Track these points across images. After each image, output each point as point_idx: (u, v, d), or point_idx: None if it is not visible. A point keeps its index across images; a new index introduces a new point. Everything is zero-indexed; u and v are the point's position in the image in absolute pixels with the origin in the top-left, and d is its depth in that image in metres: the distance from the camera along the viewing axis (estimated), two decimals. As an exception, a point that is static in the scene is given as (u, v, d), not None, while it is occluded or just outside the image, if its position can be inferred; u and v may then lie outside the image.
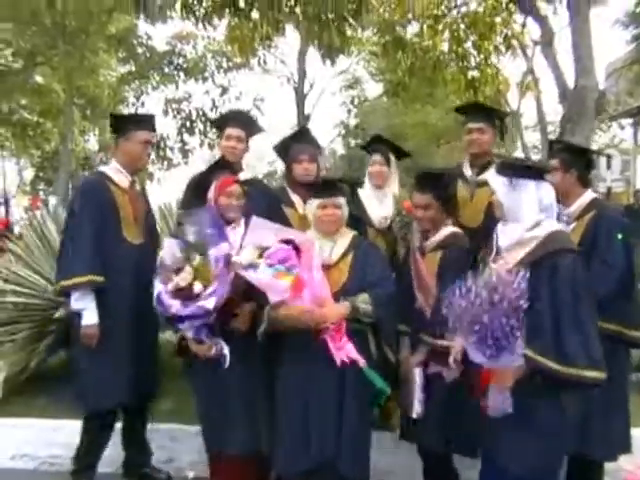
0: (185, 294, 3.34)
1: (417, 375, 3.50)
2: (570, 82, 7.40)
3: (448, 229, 3.58)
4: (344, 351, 3.34)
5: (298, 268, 3.30)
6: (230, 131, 4.34)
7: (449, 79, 9.84)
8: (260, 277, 3.27)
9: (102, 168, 4.22)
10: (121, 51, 16.27)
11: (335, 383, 3.36)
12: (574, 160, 3.81)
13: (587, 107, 6.79)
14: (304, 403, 3.37)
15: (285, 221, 4.01)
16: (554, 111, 14.92)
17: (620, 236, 3.60)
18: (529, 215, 3.18)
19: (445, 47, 9.34)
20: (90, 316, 3.76)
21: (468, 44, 9.03)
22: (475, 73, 9.41)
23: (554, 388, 2.94)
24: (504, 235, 3.22)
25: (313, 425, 3.35)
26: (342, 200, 3.60)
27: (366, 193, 4.37)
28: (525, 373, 2.89)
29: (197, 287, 3.34)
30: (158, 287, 3.38)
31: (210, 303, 3.28)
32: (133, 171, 4.00)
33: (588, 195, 3.78)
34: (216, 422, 3.58)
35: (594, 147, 12.98)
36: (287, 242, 3.39)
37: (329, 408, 3.35)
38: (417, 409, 3.44)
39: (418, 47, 9.31)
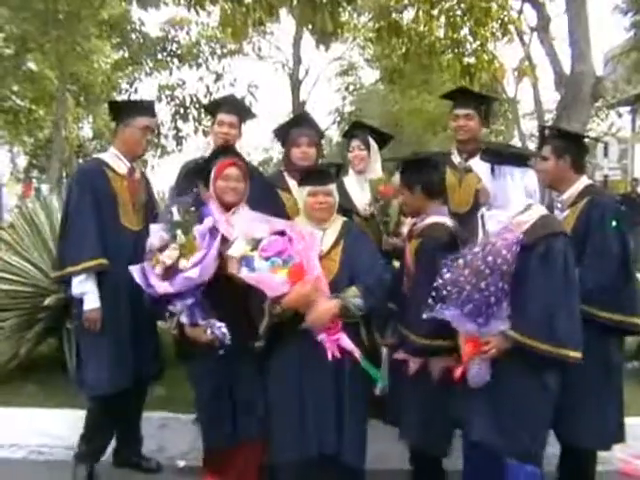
0: (172, 272, 3.32)
1: (384, 354, 3.63)
2: (567, 68, 7.35)
3: (431, 218, 3.52)
4: (338, 342, 3.32)
5: (296, 259, 3.25)
6: (222, 117, 4.32)
7: (445, 65, 9.76)
8: (256, 275, 3.23)
9: (99, 155, 4.21)
10: (114, 37, 16.15)
11: (333, 372, 3.34)
12: (567, 146, 3.78)
13: (583, 93, 6.75)
14: (300, 392, 3.35)
15: (281, 206, 4.00)
16: (552, 99, 14.89)
17: (614, 223, 3.57)
18: (517, 200, 3.22)
19: (441, 33, 9.25)
20: (93, 300, 3.77)
21: (464, 30, 8.94)
22: (471, 59, 9.33)
23: (535, 365, 3.02)
24: (492, 220, 3.24)
25: (310, 415, 3.32)
26: (333, 187, 3.57)
27: (349, 180, 4.36)
28: (507, 347, 3.00)
29: (182, 263, 3.32)
30: (147, 271, 3.37)
31: (194, 272, 3.25)
32: (132, 158, 3.99)
33: (582, 181, 3.76)
34: (220, 413, 3.53)
35: (591, 135, 12.97)
36: (279, 233, 3.35)
37: (327, 397, 3.33)
38: (379, 387, 3.51)
39: (414, 33, 9.22)
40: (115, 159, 3.96)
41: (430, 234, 3.46)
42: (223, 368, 3.48)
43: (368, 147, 4.38)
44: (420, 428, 3.41)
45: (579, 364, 3.06)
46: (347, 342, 3.35)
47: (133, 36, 16.56)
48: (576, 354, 2.99)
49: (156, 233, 3.48)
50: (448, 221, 3.52)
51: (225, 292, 3.38)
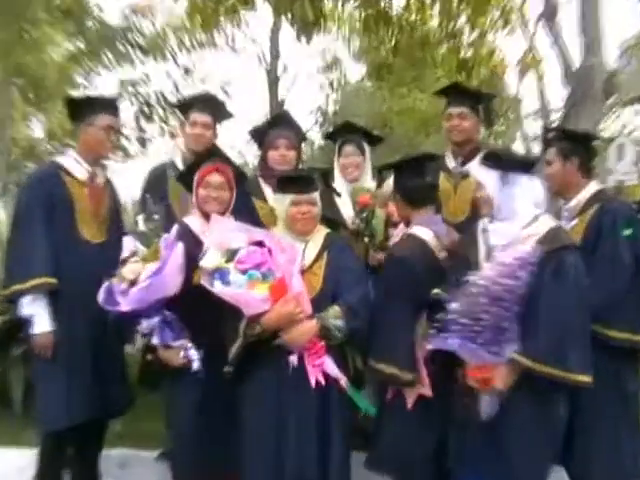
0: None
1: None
2: (576, 61, 7.37)
3: (411, 230, 3.59)
4: (322, 367, 3.32)
5: (277, 273, 3.23)
6: (195, 116, 4.32)
7: (439, 59, 9.77)
8: (231, 291, 3.18)
9: (57, 158, 4.16)
10: (68, 25, 15.98)
11: (316, 397, 3.34)
12: (574, 148, 3.80)
13: (594, 89, 6.77)
14: (279, 420, 3.33)
15: (254, 215, 3.97)
16: (559, 97, 14.94)
17: (627, 231, 3.58)
18: (524, 211, 3.20)
19: (435, 23, 9.26)
20: (42, 323, 3.74)
21: (461, 20, 8.96)
22: (468, 53, 9.34)
23: (544, 392, 3.07)
24: (496, 234, 3.25)
25: (291, 444, 3.30)
26: (317, 195, 3.55)
27: (338, 189, 4.31)
28: (517, 376, 3.05)
29: (142, 277, 3.29)
30: (113, 288, 3.35)
31: (144, 283, 3.20)
32: (94, 161, 3.96)
33: (591, 187, 3.77)
34: (200, 443, 3.51)
35: (603, 135, 13.04)
36: (257, 244, 3.33)
37: (310, 425, 3.32)
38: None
39: (405, 23, 9.21)
40: (74, 163, 3.91)
41: (398, 249, 3.52)
42: (204, 395, 3.48)
43: (363, 152, 4.37)
44: (392, 458, 3.49)
45: (590, 391, 3.10)
46: (332, 368, 3.32)
47: (90, 24, 16.38)
48: (587, 378, 3.02)
49: (127, 246, 3.48)
50: (427, 235, 3.48)
51: (207, 309, 3.34)
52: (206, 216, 3.57)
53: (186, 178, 3.75)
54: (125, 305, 3.30)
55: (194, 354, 3.36)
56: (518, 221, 3.21)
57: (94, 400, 3.82)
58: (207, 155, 3.79)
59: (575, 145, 3.85)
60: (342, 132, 4.59)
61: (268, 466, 3.31)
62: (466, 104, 4.38)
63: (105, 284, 3.39)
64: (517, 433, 3.09)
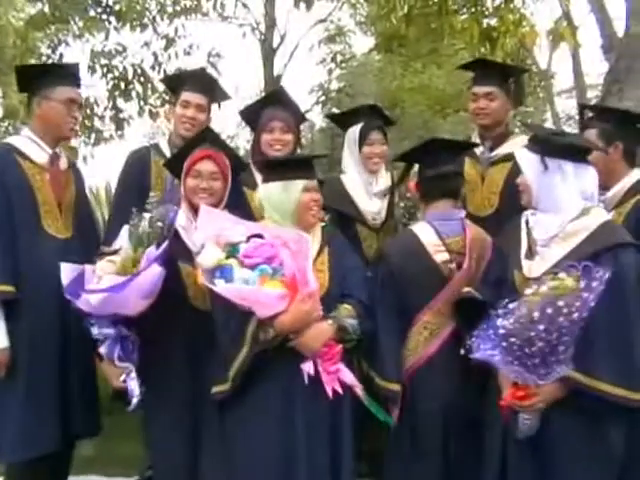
0: None
1: None
2: (619, 29, 7.29)
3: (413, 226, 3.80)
4: (338, 375, 3.33)
5: (287, 269, 3.20)
6: (188, 96, 4.31)
7: (459, 29, 9.71)
8: (241, 289, 3.10)
9: (9, 139, 4.08)
10: (30, -14, 15.94)
11: (330, 413, 3.41)
12: (618, 130, 3.74)
13: (641, 60, 6.68)
14: (290, 440, 3.33)
15: (245, 205, 3.96)
16: (596, 72, 14.86)
17: None
18: (570, 203, 3.17)
19: (455, -14, 9.23)
20: None
21: (485, -18, 8.92)
22: (493, 21, 9.31)
23: (597, 415, 3.07)
24: (539, 227, 3.21)
25: (302, 467, 3.29)
26: None
27: (352, 181, 4.30)
28: (565, 393, 3.09)
29: (120, 279, 3.28)
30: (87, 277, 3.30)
31: (91, 299, 3.14)
32: (54, 142, 3.88)
33: (633, 176, 3.74)
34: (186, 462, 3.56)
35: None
36: (255, 237, 3.32)
37: (322, 443, 3.36)
38: None
39: (420, -15, 9.18)
40: (30, 144, 3.82)
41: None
42: (187, 410, 3.56)
43: (387, 139, 4.39)
44: None
45: None
46: (348, 375, 3.33)
47: (56, -15, 16.36)
48: (628, 394, 3.03)
49: (120, 238, 3.49)
50: (426, 232, 3.58)
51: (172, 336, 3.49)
52: (195, 210, 3.53)
53: (175, 165, 3.69)
54: (80, 303, 3.25)
55: (133, 386, 3.30)
56: (564, 213, 3.18)
57: (58, 425, 3.76)
58: (199, 139, 3.73)
59: (619, 127, 3.78)
60: (364, 116, 4.54)
61: None
62: (494, 82, 4.38)
63: (77, 267, 3.33)
64: (564, 455, 3.12)
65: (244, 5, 18.93)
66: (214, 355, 3.43)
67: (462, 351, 3.24)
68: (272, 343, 3.26)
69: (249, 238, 3.29)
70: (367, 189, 4.39)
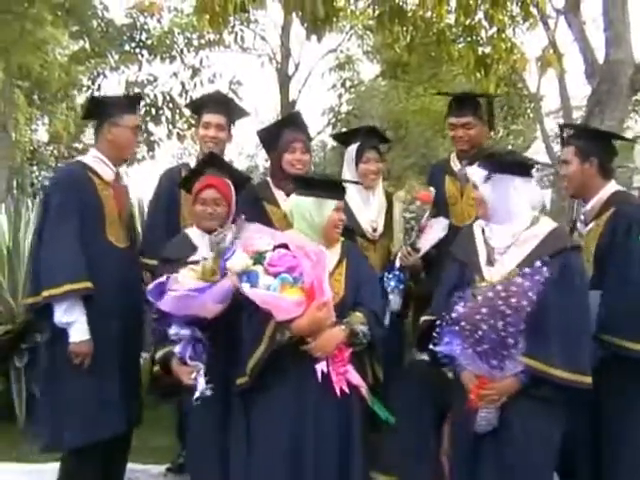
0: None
1: None
2: (600, 56, 7.30)
3: None
4: (346, 376, 3.32)
5: (306, 278, 3.23)
6: (208, 117, 4.29)
7: (456, 56, 9.72)
8: (264, 294, 3.18)
9: (80, 158, 4.17)
10: (72, 24, 15.98)
11: (339, 412, 3.35)
12: (593, 147, 3.76)
13: (620, 85, 6.70)
14: (300, 437, 3.30)
15: (267, 220, 3.95)
16: (581, 94, 14.83)
17: None
18: (522, 213, 3.28)
19: (451, 18, 9.21)
20: (81, 331, 3.69)
21: (479, 14, 8.90)
22: (487, 49, 9.29)
23: (548, 401, 3.13)
24: (496, 236, 3.30)
25: (310, 462, 3.28)
26: None
27: (352, 196, 4.27)
28: (519, 386, 3.12)
29: (201, 284, 3.31)
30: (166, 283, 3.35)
31: (179, 293, 3.19)
32: (118, 162, 3.96)
33: (609, 188, 3.75)
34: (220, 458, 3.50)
35: (629, 134, 12.94)
36: (281, 247, 3.34)
37: (330, 444, 3.32)
38: None
39: (420, 19, 9.17)
40: (100, 163, 3.91)
41: None
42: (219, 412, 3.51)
43: (383, 158, 4.37)
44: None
45: (617, 411, 3.36)
46: (356, 376, 3.34)
47: (95, 23, 16.37)
48: (590, 380, 3.12)
49: (201, 248, 3.55)
50: None
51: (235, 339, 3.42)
52: (205, 230, 3.63)
53: (187, 185, 3.75)
54: (162, 304, 3.31)
55: (202, 383, 3.33)
56: (517, 223, 3.26)
57: (121, 413, 3.79)
58: (205, 164, 3.79)
59: (594, 144, 3.80)
60: (362, 136, 4.51)
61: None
62: (469, 112, 4.36)
63: (163, 277, 3.37)
64: (520, 445, 3.13)
65: (262, 38, 18.99)
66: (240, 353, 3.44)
67: (430, 345, 3.28)
68: (289, 342, 3.27)
69: (275, 248, 3.32)
70: (365, 203, 4.34)
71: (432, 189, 4.26)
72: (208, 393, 3.34)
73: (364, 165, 4.34)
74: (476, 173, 3.38)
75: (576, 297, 3.14)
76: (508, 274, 3.11)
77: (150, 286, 3.36)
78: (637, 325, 3.46)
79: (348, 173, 4.36)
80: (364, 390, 3.36)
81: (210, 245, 3.44)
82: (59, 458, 3.92)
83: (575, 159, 3.75)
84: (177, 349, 3.40)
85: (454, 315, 3.07)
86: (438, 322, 3.20)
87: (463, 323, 3.04)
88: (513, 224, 3.27)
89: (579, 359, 3.10)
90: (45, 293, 3.69)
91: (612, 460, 3.53)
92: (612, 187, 3.78)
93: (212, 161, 3.81)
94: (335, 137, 4.94)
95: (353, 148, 4.37)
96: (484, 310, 2.98)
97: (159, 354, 3.52)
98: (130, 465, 4.28)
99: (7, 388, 5.08)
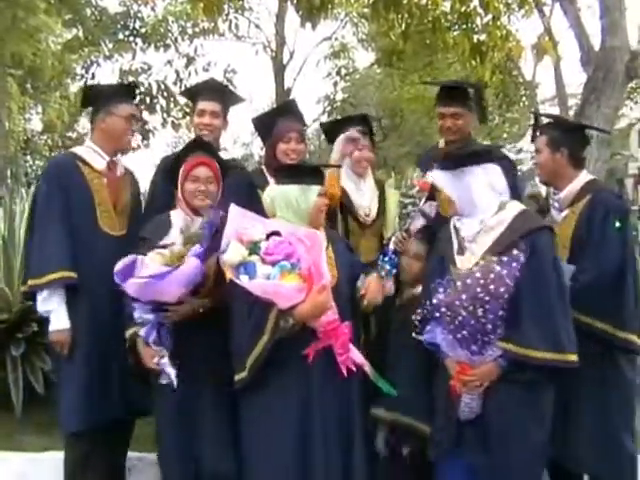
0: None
1: None
2: (595, 43, 7.31)
3: None
4: (350, 356, 3.31)
5: (303, 263, 3.21)
6: (203, 105, 4.26)
7: (451, 44, 9.70)
8: (263, 283, 3.16)
9: (74, 149, 4.17)
10: (65, 12, 15.92)
11: (340, 400, 3.37)
12: (563, 138, 3.84)
13: (615, 72, 6.70)
14: (301, 429, 3.29)
15: (260, 208, 3.95)
16: (576, 82, 14.83)
17: (618, 224, 3.62)
18: (486, 200, 3.34)
19: (447, 6, 9.20)
20: (59, 319, 3.73)
21: (474, 2, 8.90)
22: (482, 36, 9.28)
23: (531, 383, 3.15)
24: (464, 226, 3.36)
25: (317, 451, 3.27)
26: None
27: (345, 182, 4.28)
28: (499, 371, 3.16)
29: (162, 268, 3.28)
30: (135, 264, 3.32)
31: (142, 280, 3.18)
32: (113, 151, 3.96)
33: (582, 177, 3.85)
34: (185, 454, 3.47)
35: (624, 122, 12.95)
36: (273, 234, 3.31)
37: (335, 431, 3.33)
38: None
39: (415, 6, 9.15)
40: (91, 153, 3.92)
41: None
42: (188, 403, 3.45)
43: (374, 145, 4.37)
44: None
45: (587, 385, 3.47)
46: (357, 354, 3.36)
47: (88, 11, 16.35)
48: (575, 357, 3.14)
49: (177, 223, 3.50)
50: None
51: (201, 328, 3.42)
52: (193, 211, 3.57)
53: (172, 171, 3.72)
54: (127, 287, 3.29)
55: (168, 368, 3.33)
56: (483, 211, 3.31)
57: (115, 400, 3.80)
58: (192, 147, 3.78)
59: (565, 135, 3.86)
60: (360, 124, 4.49)
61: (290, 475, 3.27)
62: (458, 103, 4.35)
63: (131, 258, 3.34)
64: (508, 428, 3.16)
65: (256, 26, 18.98)
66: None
67: (413, 334, 3.33)
68: (291, 331, 3.24)
69: (268, 236, 3.31)
70: (357, 189, 4.33)
71: (430, 176, 4.26)
72: (174, 379, 3.33)
73: (359, 152, 4.33)
74: (437, 176, 3.47)
75: (548, 276, 3.16)
76: (483, 261, 3.13)
77: (118, 266, 3.31)
78: (604, 305, 3.57)
79: (344, 159, 4.35)
80: (367, 367, 3.37)
81: (180, 229, 3.42)
82: (57, 447, 3.93)
83: (546, 148, 3.84)
84: (141, 332, 3.39)
85: (435, 302, 3.12)
86: (418, 311, 3.26)
87: (443, 309, 3.09)
88: (478, 213, 3.32)
89: (557, 338, 3.11)
90: (30, 282, 3.75)
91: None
92: (585, 176, 3.88)
93: (199, 146, 3.79)
94: (324, 125, 4.88)
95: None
96: (463, 297, 3.02)
97: (127, 333, 3.48)
98: (130, 453, 4.29)
99: (4, 377, 5.08)
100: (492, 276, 3.01)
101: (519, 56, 11.96)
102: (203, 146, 3.79)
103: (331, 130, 4.59)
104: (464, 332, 3.07)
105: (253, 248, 3.24)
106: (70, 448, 3.83)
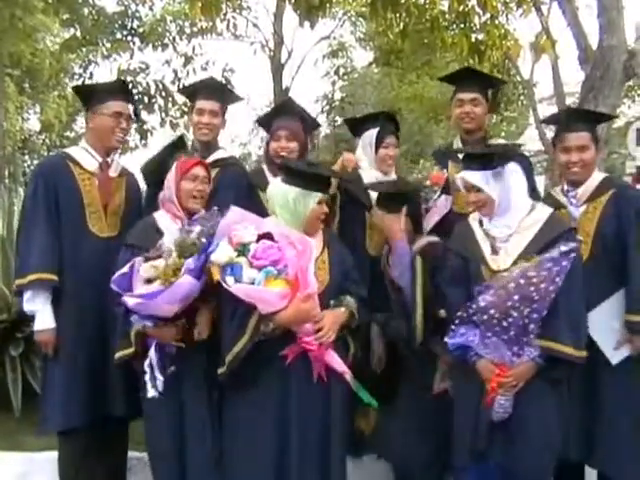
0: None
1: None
2: (593, 42, 7.31)
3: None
4: (326, 360, 3.29)
5: (290, 270, 3.19)
6: (202, 104, 4.25)
7: (449, 43, 9.71)
8: (247, 288, 3.14)
9: (66, 149, 4.14)
10: (63, 12, 15.91)
11: (319, 403, 3.33)
12: (596, 133, 3.82)
13: (613, 70, 6.71)
14: (284, 426, 3.28)
15: (259, 206, 3.94)
16: (574, 81, 14.85)
17: None
18: (522, 200, 3.35)
19: (445, 5, 9.21)
20: (44, 319, 3.71)
21: (472, 1, 8.90)
22: (480, 35, 9.28)
23: (557, 379, 3.24)
24: (496, 227, 3.34)
25: (294, 452, 3.26)
26: None
27: (369, 177, 4.29)
28: (535, 370, 3.19)
29: (152, 287, 3.23)
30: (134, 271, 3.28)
31: (137, 299, 3.17)
32: (105, 151, 3.91)
33: (597, 174, 3.80)
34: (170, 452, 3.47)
35: (621, 120, 12.94)
36: (265, 236, 3.27)
37: (312, 432, 3.30)
38: None
39: (413, 5, 9.16)
40: (83, 153, 3.90)
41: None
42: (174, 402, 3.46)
43: (399, 144, 4.40)
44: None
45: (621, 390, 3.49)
46: (337, 361, 3.32)
47: (86, 11, 16.35)
48: (585, 354, 3.22)
49: (170, 234, 3.40)
50: None
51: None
52: (188, 212, 3.55)
53: (155, 172, 3.72)
54: (125, 301, 3.24)
55: (154, 367, 3.34)
56: (517, 211, 3.31)
57: (97, 402, 3.77)
58: (176, 147, 3.79)
59: (595, 129, 3.85)
60: (384, 122, 4.47)
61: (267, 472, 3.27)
62: (478, 89, 4.33)
63: (126, 268, 3.28)
64: (536, 426, 3.22)
65: (254, 25, 18.95)
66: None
67: (445, 338, 3.30)
68: (272, 334, 3.23)
69: (259, 238, 3.26)
70: None
71: (445, 171, 4.26)
72: (160, 385, 3.33)
73: (384, 150, 4.33)
74: (475, 176, 3.36)
75: (577, 278, 3.19)
76: (526, 260, 3.13)
77: (115, 276, 3.27)
78: None
79: (364, 157, 4.35)
80: (348, 376, 3.33)
81: (174, 241, 3.32)
82: (56, 447, 3.92)
83: (592, 144, 3.73)
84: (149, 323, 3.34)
85: (481, 305, 3.11)
86: (457, 315, 3.23)
87: (492, 311, 3.09)
88: (513, 213, 3.31)
89: (581, 337, 3.21)
90: (16, 282, 3.76)
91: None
92: (600, 173, 3.85)
93: (182, 146, 3.82)
94: (348, 122, 4.84)
95: (372, 133, 4.34)
96: (516, 297, 3.04)
97: (134, 330, 3.40)
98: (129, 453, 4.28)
99: (3, 377, 5.08)
100: (545, 274, 3.03)
101: (517, 55, 12.01)
102: (183, 146, 3.81)
103: (356, 126, 4.59)
104: (511, 333, 3.10)
105: (242, 250, 3.21)
106: (62, 447, 3.83)
